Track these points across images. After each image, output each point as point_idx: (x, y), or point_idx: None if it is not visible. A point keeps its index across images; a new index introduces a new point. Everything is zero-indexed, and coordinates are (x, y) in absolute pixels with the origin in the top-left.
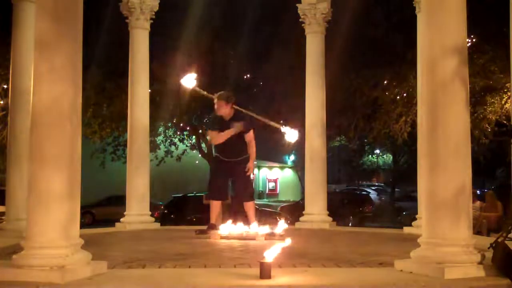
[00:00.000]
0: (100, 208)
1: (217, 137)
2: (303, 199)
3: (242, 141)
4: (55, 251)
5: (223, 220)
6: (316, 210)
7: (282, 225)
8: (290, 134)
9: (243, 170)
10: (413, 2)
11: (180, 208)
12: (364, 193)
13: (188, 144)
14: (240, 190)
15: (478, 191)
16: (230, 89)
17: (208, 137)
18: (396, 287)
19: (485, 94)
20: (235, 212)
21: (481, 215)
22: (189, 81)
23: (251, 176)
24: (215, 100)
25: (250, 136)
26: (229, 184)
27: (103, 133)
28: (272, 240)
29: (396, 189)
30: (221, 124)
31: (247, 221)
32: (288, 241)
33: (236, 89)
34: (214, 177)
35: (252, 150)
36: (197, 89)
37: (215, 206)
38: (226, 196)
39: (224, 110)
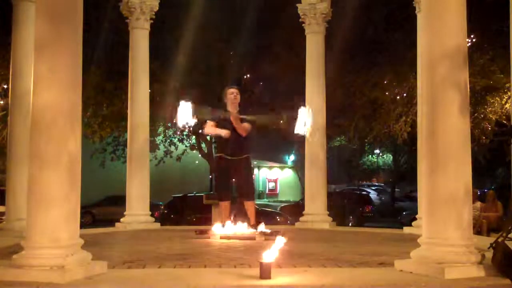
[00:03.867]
0: (100, 208)
1: (206, 127)
2: (303, 199)
3: (243, 139)
4: (55, 251)
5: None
6: (316, 210)
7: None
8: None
9: (245, 168)
10: (413, 2)
11: (180, 208)
12: (364, 193)
13: (188, 144)
14: (241, 189)
15: (478, 191)
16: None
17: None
18: (396, 287)
19: (485, 94)
20: (237, 211)
21: (481, 215)
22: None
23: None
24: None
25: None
26: (232, 183)
27: (103, 133)
28: (272, 240)
29: (396, 189)
30: (223, 119)
31: (247, 221)
32: (281, 241)
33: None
34: (219, 178)
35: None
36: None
37: (225, 206)
38: (231, 196)
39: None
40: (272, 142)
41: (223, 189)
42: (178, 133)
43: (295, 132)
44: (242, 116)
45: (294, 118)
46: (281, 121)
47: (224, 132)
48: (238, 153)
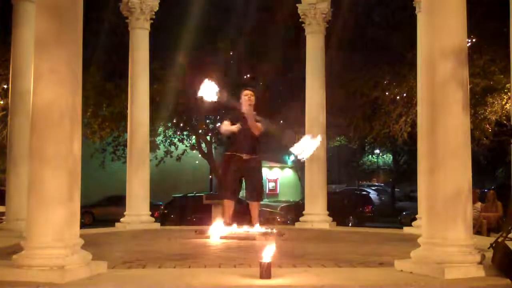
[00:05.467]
0: (100, 208)
1: (223, 126)
2: (303, 199)
3: (256, 140)
4: (55, 251)
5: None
6: (316, 210)
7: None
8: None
9: (257, 169)
10: (413, 2)
11: (180, 208)
12: (364, 193)
13: (188, 144)
14: (251, 189)
15: (479, 192)
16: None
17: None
18: (396, 287)
19: (485, 95)
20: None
21: (481, 215)
22: (210, 93)
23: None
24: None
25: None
26: (239, 183)
27: (103, 133)
28: (272, 240)
29: (396, 189)
30: (237, 117)
31: (248, 221)
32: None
33: (236, 88)
34: (226, 176)
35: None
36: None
37: (229, 206)
38: (237, 195)
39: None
40: (273, 142)
41: (229, 188)
42: (178, 132)
43: (291, 150)
44: (257, 118)
45: (294, 140)
46: (284, 137)
47: (235, 127)
48: (251, 153)
